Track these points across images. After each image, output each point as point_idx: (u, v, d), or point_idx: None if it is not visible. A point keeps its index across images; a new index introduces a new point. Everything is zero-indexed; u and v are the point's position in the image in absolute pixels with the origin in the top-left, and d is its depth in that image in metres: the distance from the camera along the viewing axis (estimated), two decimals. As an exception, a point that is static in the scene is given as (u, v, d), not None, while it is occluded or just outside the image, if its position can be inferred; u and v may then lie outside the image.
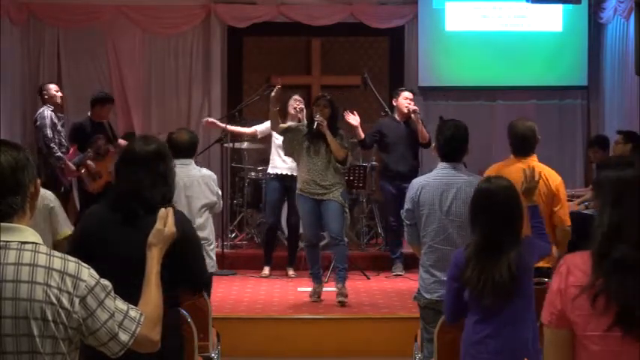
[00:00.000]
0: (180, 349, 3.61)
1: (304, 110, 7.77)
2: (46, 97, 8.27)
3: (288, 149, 7.16)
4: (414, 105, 8.12)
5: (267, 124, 8.26)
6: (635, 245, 2.12)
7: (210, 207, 5.69)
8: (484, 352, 3.57)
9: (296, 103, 7.96)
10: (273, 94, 7.08)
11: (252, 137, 8.55)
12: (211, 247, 5.68)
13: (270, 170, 8.20)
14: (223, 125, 8.44)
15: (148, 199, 3.40)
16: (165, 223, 2.67)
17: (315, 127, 6.89)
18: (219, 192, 5.81)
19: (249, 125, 8.60)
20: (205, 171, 5.85)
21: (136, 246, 3.27)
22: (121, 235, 3.40)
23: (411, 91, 8.38)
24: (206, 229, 5.61)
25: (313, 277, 7.32)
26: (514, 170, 4.85)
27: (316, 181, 6.96)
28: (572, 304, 2.18)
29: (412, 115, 8.01)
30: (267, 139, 8.47)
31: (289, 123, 7.43)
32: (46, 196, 4.65)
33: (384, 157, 8.27)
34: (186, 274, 3.47)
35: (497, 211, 3.64)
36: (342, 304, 7.08)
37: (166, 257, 2.64)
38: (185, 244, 3.21)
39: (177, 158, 5.42)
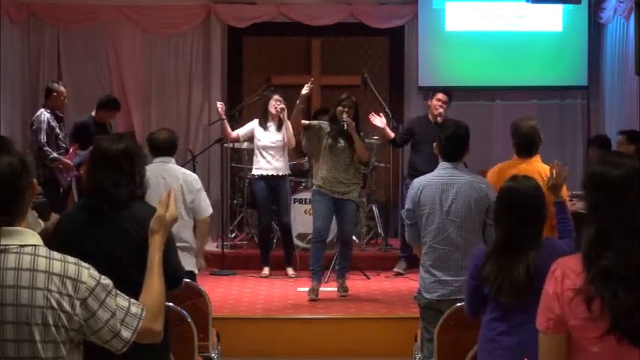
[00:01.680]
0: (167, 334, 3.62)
1: (285, 110, 7.84)
2: (52, 96, 8.15)
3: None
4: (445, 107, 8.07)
5: (248, 126, 8.24)
6: (621, 254, 2.10)
7: (190, 202, 5.60)
8: (498, 348, 3.58)
9: (277, 103, 7.97)
10: (305, 91, 7.24)
11: (235, 141, 8.47)
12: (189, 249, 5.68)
13: (255, 172, 8.17)
14: (224, 118, 8.24)
15: (113, 196, 3.41)
16: (166, 208, 2.62)
17: (345, 128, 7.03)
18: (202, 193, 5.66)
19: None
20: (186, 171, 5.85)
21: (109, 244, 3.28)
22: (92, 233, 3.40)
23: (446, 92, 8.27)
24: (189, 230, 5.62)
25: (314, 274, 7.34)
26: (518, 172, 4.79)
27: (338, 178, 7.12)
28: (569, 309, 2.16)
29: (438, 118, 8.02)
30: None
31: (308, 121, 7.44)
32: None
33: (413, 157, 8.21)
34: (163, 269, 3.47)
35: (524, 212, 3.59)
36: (343, 296, 7.41)
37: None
38: None
39: (157, 156, 5.58)
